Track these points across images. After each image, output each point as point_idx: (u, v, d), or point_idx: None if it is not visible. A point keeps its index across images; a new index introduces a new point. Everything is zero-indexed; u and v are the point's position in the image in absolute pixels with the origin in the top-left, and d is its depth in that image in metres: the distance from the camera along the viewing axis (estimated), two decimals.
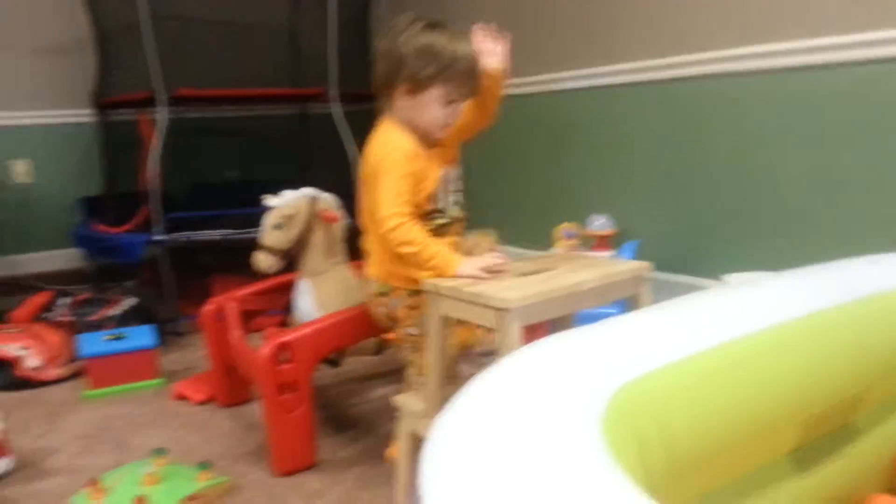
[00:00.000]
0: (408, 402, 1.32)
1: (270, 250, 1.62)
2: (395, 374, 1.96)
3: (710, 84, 2.03)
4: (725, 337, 0.86)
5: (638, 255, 2.14)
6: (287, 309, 1.76)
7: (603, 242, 2.26)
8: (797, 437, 0.92)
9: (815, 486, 0.95)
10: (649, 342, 0.85)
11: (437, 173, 1.38)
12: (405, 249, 1.28)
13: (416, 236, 1.28)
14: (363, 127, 3.06)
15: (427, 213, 1.37)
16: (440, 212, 1.40)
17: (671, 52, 2.12)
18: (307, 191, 1.68)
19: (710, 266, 2.05)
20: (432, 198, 1.38)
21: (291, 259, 1.68)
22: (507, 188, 2.84)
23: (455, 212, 1.43)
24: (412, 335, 1.40)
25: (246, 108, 3.34)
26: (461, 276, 1.22)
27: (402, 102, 1.36)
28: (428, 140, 1.38)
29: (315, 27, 2.91)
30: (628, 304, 1.29)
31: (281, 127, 3.51)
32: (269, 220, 1.63)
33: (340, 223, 1.70)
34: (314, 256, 1.65)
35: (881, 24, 1.64)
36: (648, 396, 0.77)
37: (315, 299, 1.64)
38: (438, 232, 1.37)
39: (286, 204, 1.63)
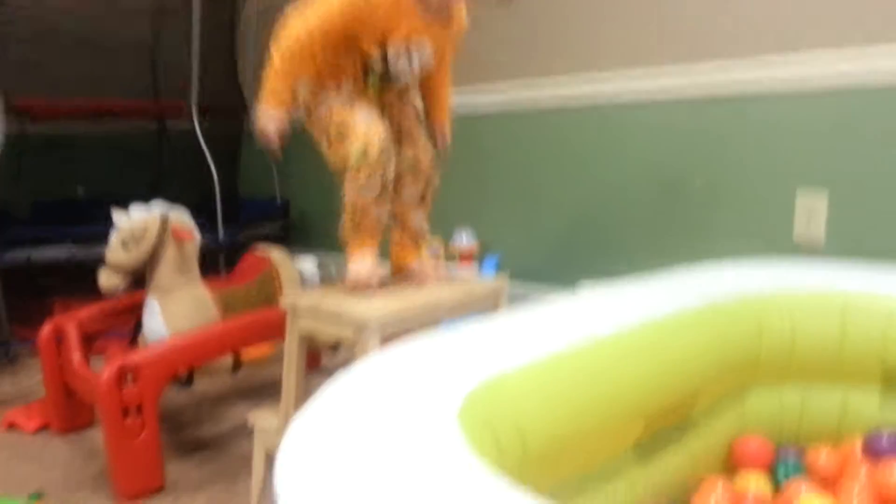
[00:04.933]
0: (262, 418, 1.27)
1: (116, 269, 1.53)
2: (252, 393, 1.90)
3: (554, 111, 2.14)
4: (575, 339, 0.89)
5: (499, 268, 2.20)
6: (137, 329, 1.66)
7: (467, 256, 2.30)
8: (640, 431, 0.97)
9: (657, 472, 1.00)
10: (504, 344, 0.87)
11: (411, 32, 1.18)
12: (268, 66, 1.17)
13: (281, 61, 1.16)
14: (225, 144, 3.02)
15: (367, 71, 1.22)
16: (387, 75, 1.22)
17: (519, 75, 2.22)
18: (158, 206, 1.60)
19: (566, 276, 2.13)
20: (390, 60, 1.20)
21: (141, 278, 1.59)
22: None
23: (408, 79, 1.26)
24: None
25: (100, 122, 3.16)
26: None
27: None
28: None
29: (177, 40, 2.81)
30: None
31: (137, 142, 3.33)
32: (116, 237, 1.54)
33: (194, 240, 1.63)
34: (164, 273, 1.57)
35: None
36: (503, 394, 0.79)
37: (164, 318, 1.56)
38: (373, 86, 1.23)
39: (135, 220, 1.55)
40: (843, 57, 1.62)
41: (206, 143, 2.58)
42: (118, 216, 1.56)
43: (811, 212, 1.70)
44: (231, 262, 2.41)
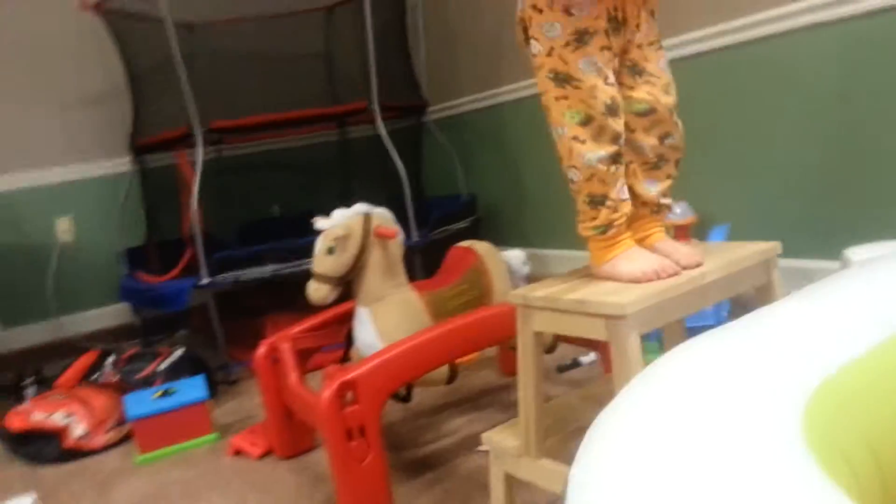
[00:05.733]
0: (499, 438, 1.10)
1: (324, 278, 1.43)
2: (466, 403, 1.76)
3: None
4: None
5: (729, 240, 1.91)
6: (348, 342, 1.57)
7: (682, 232, 2.02)
8: None
9: None
10: (831, 332, 0.64)
11: None
12: None
13: None
14: (407, 143, 2.95)
15: None
16: None
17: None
18: (359, 207, 1.49)
19: (812, 245, 1.80)
20: None
21: (348, 286, 1.49)
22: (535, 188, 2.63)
23: None
24: (534, 56, 1.03)
25: (286, 138, 3.21)
26: None
27: None
28: None
29: (351, 45, 2.77)
30: (748, 299, 1.06)
31: (322, 153, 3.37)
32: (320, 244, 1.45)
33: (398, 239, 1.51)
34: (372, 280, 1.46)
35: None
36: (848, 396, 0.57)
37: (377, 328, 1.44)
38: None
39: (337, 224, 1.45)
40: None
41: (391, 138, 2.50)
42: (320, 221, 1.47)
43: None
44: (427, 264, 2.31)
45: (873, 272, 0.80)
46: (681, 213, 2.03)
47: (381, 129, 2.45)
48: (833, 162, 1.78)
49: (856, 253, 1.41)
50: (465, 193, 2.88)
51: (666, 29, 1.10)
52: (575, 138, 0.99)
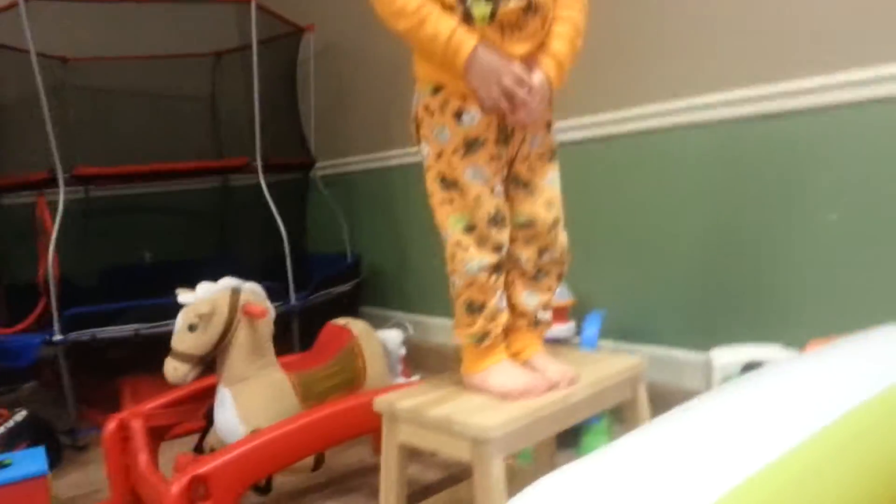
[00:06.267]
0: None
1: (184, 357, 1.35)
2: (337, 486, 1.68)
3: (679, 133, 1.87)
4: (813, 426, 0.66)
5: (603, 327, 1.94)
6: (207, 422, 1.47)
7: (561, 314, 2.05)
8: None
9: None
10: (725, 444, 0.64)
11: None
12: (394, 25, 0.95)
13: (405, 3, 0.93)
14: (291, 197, 2.88)
15: None
16: None
17: (626, 104, 1.97)
18: (227, 282, 1.42)
19: (689, 337, 1.86)
20: None
21: (211, 362, 1.41)
22: (420, 254, 2.63)
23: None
24: (424, 158, 1.03)
25: (162, 182, 3.07)
26: (472, 68, 0.92)
27: None
28: None
29: (239, 94, 2.69)
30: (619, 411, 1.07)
31: (201, 200, 3.23)
32: (181, 320, 1.36)
33: (269, 317, 1.44)
34: (237, 359, 1.39)
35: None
36: None
37: (239, 412, 1.36)
38: (478, 15, 0.94)
39: (202, 300, 1.37)
40: None
41: (272, 197, 2.42)
42: (183, 295, 1.38)
43: None
44: (304, 329, 2.23)
45: (734, 390, 0.82)
46: (559, 294, 2.06)
47: (264, 185, 2.38)
48: (707, 258, 1.86)
49: (719, 356, 1.47)
50: (349, 253, 2.83)
51: (557, 111, 1.11)
52: (458, 244, 0.98)
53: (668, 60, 1.85)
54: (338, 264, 2.72)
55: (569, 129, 2.04)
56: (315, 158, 2.81)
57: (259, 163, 2.39)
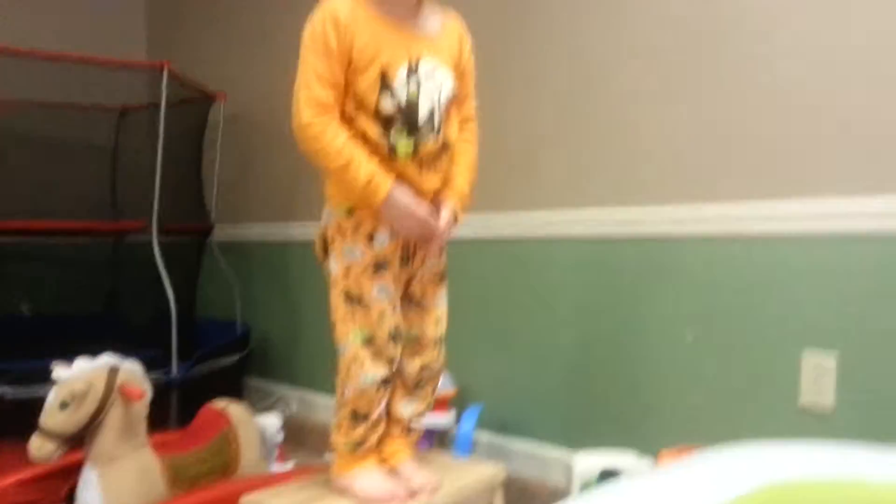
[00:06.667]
0: None
1: (52, 435, 1.32)
2: None
3: (555, 242, 2.01)
4: None
5: (481, 419, 2.02)
6: (69, 498, 1.44)
7: (441, 404, 2.12)
8: None
9: None
10: None
11: (405, 52, 1.05)
12: (320, 160, 1.02)
13: (334, 143, 1.00)
14: (187, 262, 2.85)
15: (387, 120, 1.05)
16: (412, 126, 1.06)
17: (512, 207, 2.10)
18: (106, 359, 1.41)
19: (560, 433, 1.95)
20: (394, 97, 1.04)
21: (79, 439, 1.38)
22: (312, 330, 2.66)
23: (435, 140, 1.08)
24: (330, 273, 1.09)
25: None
26: (389, 212, 1.01)
27: None
28: (403, 2, 1.07)
29: (141, 153, 2.67)
30: None
31: (91, 253, 3.13)
32: (52, 397, 1.34)
33: (144, 400, 1.43)
34: (107, 440, 1.37)
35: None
36: None
37: (103, 495, 1.34)
38: (401, 152, 1.05)
39: (78, 377, 1.35)
40: (851, 203, 1.52)
41: (166, 258, 2.40)
42: (58, 370, 1.37)
43: (818, 374, 1.58)
44: (186, 399, 2.19)
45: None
46: (442, 384, 2.13)
47: (157, 252, 2.35)
48: (579, 362, 1.97)
49: (579, 461, 1.56)
50: (240, 322, 2.82)
51: None
52: (355, 358, 1.04)
53: (553, 174, 2.00)
54: (226, 333, 2.70)
55: (465, 225, 2.15)
56: (213, 224, 2.80)
57: (154, 227, 2.37)
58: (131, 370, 1.43)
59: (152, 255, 2.38)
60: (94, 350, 1.41)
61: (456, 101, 1.12)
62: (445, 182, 1.13)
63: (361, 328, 1.05)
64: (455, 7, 1.28)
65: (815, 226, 1.55)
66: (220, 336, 2.64)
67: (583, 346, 1.96)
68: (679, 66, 1.74)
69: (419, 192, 1.07)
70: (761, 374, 1.63)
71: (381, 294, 1.05)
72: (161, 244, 2.39)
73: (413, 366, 1.13)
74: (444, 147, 1.11)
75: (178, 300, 2.36)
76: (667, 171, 1.78)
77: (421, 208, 1.06)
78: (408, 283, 1.13)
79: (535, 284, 2.06)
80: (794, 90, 1.57)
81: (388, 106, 1.03)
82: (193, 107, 2.70)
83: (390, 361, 1.06)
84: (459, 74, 1.12)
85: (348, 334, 1.05)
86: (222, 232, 2.89)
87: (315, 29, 1.03)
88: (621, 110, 1.85)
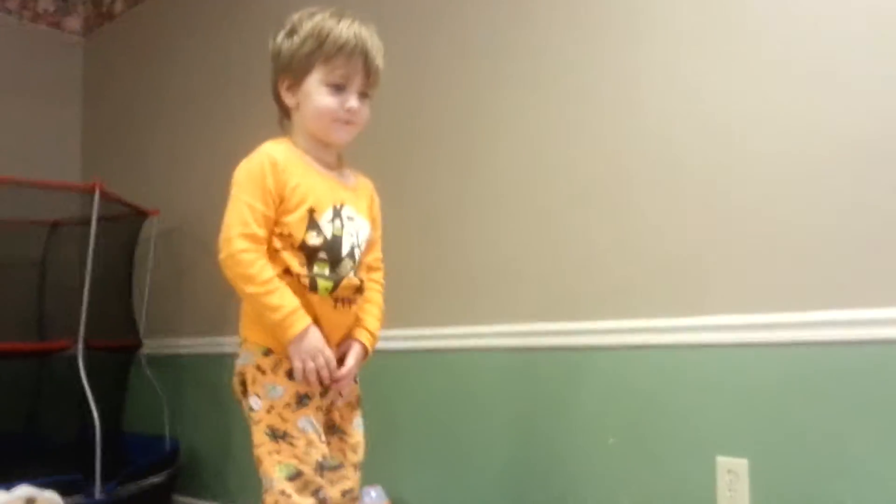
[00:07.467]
0: None
1: None
2: None
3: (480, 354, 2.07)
4: None
5: None
6: None
7: None
8: None
9: None
10: None
11: (331, 197, 1.15)
12: (242, 286, 1.07)
13: (263, 272, 1.06)
14: (114, 377, 2.79)
15: (311, 252, 1.13)
16: (334, 261, 1.15)
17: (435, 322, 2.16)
18: (23, 491, 1.39)
19: None
20: (321, 233, 1.13)
21: None
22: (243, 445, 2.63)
23: (355, 280, 1.18)
24: (252, 411, 1.12)
25: None
26: (297, 343, 1.07)
27: (289, 104, 1.18)
28: (330, 155, 1.20)
29: (71, 265, 2.66)
30: None
31: (13, 367, 3.03)
32: None
33: None
34: None
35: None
36: None
37: None
38: (321, 287, 1.13)
39: None
40: (754, 318, 1.62)
41: (92, 373, 2.36)
42: None
43: (732, 479, 1.64)
44: None
45: None
46: (376, 496, 2.12)
47: (82, 370, 2.32)
48: (509, 469, 1.99)
49: None
50: (169, 437, 2.75)
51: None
52: (282, 492, 1.07)
53: (482, 290, 2.09)
54: (155, 449, 2.64)
55: (392, 338, 2.20)
56: (142, 342, 2.78)
57: (80, 345, 2.34)
58: (50, 500, 1.41)
59: (77, 372, 2.34)
60: (11, 473, 1.39)
61: (368, 246, 1.23)
62: (357, 321, 1.21)
63: (287, 464, 1.08)
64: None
65: (722, 337, 1.66)
66: (147, 452, 2.58)
67: (514, 454, 1.99)
68: (591, 183, 1.87)
69: (335, 327, 1.14)
70: (680, 478, 1.69)
71: (307, 425, 1.10)
72: (87, 359, 2.36)
73: (334, 492, 1.16)
74: (359, 288, 1.21)
75: (103, 416, 2.31)
76: (587, 288, 1.88)
77: (327, 352, 1.12)
78: (328, 411, 1.18)
79: (466, 395, 2.10)
80: (699, 213, 1.71)
81: (313, 240, 1.11)
82: (125, 222, 2.72)
83: (316, 492, 1.09)
84: (373, 224, 1.24)
85: (274, 469, 1.09)
86: (153, 343, 2.86)
87: (253, 169, 1.12)
88: (538, 235, 1.96)
